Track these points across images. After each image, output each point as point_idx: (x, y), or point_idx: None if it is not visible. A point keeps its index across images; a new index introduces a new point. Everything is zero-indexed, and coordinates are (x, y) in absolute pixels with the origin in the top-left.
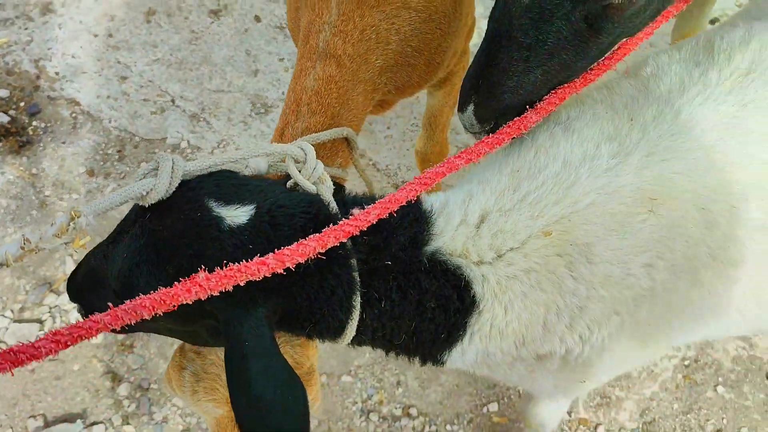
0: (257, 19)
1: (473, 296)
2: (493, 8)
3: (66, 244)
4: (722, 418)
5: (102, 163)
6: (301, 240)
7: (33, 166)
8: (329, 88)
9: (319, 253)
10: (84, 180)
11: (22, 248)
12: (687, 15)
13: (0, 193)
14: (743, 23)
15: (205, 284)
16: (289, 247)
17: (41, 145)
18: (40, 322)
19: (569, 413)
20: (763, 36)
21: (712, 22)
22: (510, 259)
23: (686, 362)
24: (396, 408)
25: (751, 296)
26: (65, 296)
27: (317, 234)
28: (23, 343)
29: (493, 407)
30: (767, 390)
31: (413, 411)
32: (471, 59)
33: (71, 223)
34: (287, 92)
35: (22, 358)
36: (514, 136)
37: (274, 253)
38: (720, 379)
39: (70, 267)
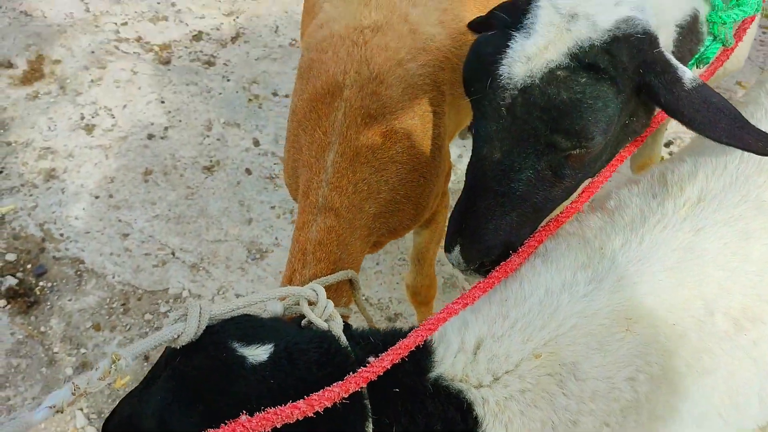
0: (248, 171)
1: (476, 417)
2: (470, 162)
3: (109, 385)
4: None
5: (107, 317)
6: (326, 387)
7: (41, 325)
8: (330, 238)
9: None
10: (91, 335)
11: (73, 393)
12: (642, 144)
13: (10, 353)
14: (689, 158)
15: (248, 425)
16: (317, 393)
17: (48, 303)
18: None
19: None
20: (708, 169)
21: (667, 145)
22: (506, 382)
23: None
24: None
25: (728, 401)
26: None
27: (340, 381)
28: None
29: None
30: None
31: None
32: (449, 199)
33: (113, 366)
34: (292, 242)
35: None
36: (503, 278)
37: (303, 399)
38: None
39: (81, 421)
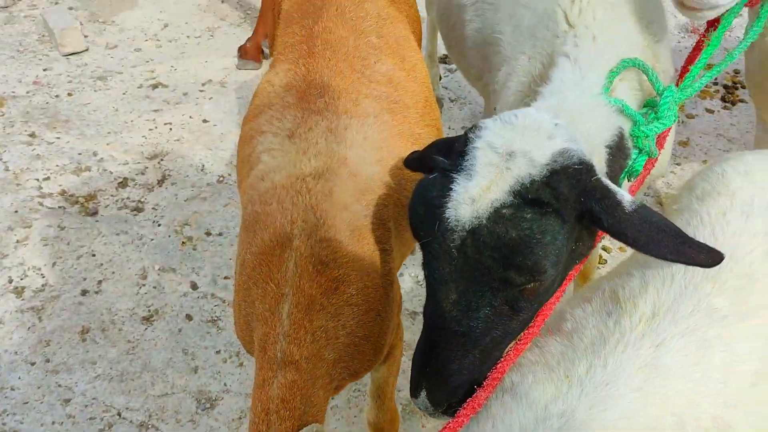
0: (189, 317)
1: None
2: (426, 304)
3: None
4: None
5: None
6: None
7: None
8: (293, 393)
9: None
10: None
11: None
12: None
13: None
14: (636, 272)
15: None
16: None
17: None
18: None
19: None
20: (657, 282)
21: None
22: None
23: None
24: None
25: None
26: None
27: None
28: None
29: None
30: None
31: None
32: (403, 331)
33: None
34: (252, 401)
35: None
36: (471, 415)
37: None
38: None
39: None
